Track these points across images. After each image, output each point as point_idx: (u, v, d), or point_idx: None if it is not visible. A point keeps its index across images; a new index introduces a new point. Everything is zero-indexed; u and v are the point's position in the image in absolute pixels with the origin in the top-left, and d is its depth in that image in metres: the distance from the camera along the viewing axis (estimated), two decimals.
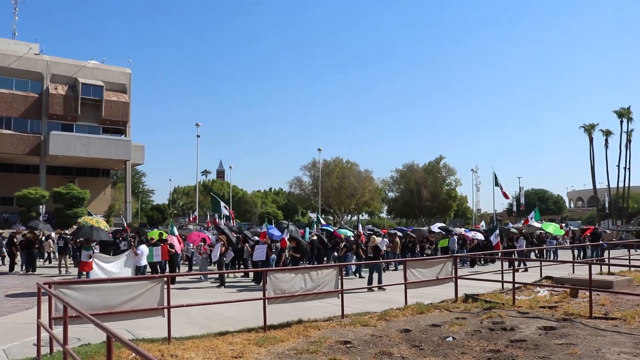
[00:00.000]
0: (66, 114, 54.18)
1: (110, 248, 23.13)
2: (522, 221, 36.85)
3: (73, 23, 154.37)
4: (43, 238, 28.05)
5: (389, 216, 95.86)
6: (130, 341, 4.19)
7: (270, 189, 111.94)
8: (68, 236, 24.47)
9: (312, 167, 74.71)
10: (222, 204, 29.45)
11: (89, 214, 30.28)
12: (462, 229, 34.18)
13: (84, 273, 17.39)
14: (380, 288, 16.19)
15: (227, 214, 29.74)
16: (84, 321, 6.08)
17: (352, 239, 23.64)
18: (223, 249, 19.71)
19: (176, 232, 22.57)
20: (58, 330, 7.40)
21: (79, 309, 5.70)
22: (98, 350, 7.93)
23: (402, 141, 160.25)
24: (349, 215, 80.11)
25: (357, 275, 20.84)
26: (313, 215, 42.22)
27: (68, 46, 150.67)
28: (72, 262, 23.30)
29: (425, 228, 34.44)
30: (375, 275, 16.81)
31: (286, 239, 19.44)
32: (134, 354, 6.65)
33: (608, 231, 44.44)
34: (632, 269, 18.37)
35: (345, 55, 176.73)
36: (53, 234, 28.24)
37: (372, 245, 18.17)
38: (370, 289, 16.19)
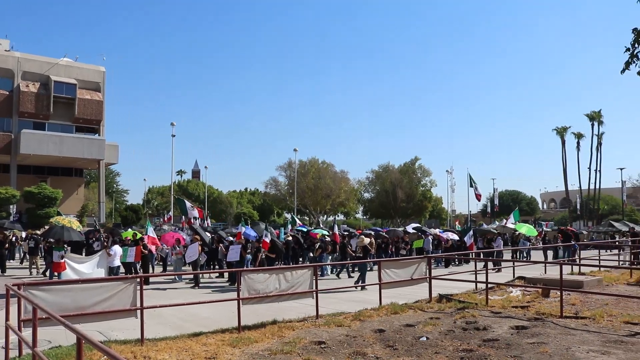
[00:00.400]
0: (38, 112, 53.31)
1: (82, 248, 22.78)
2: (504, 221, 37.30)
3: (45, 19, 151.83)
4: (13, 239, 27.57)
5: (364, 217, 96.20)
6: (101, 343, 4.14)
7: (246, 189, 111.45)
8: (39, 237, 24.05)
9: (287, 167, 74.63)
10: (188, 203, 28.28)
11: (59, 214, 29.72)
12: (438, 230, 34.43)
13: (56, 274, 17.12)
14: (362, 288, 16.38)
15: (196, 214, 28.13)
16: (55, 323, 5.99)
17: (327, 239, 23.70)
18: (200, 249, 19.57)
19: (151, 232, 22.32)
20: (27, 333, 7.27)
21: (49, 311, 5.61)
22: (69, 352, 7.82)
23: (377, 142, 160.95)
24: (325, 216, 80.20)
25: (337, 275, 20.91)
26: (289, 216, 42.06)
27: (40, 43, 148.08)
28: (44, 262, 22.87)
29: (400, 229, 34.63)
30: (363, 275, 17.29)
31: (267, 240, 19.40)
32: (105, 356, 6.57)
33: (585, 232, 45.10)
34: (602, 269, 18.79)
35: (322, 56, 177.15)
36: (23, 234, 27.75)
37: (361, 245, 18.49)
38: (357, 288, 16.55)
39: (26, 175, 54.21)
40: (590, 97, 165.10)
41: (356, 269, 21.51)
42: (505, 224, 33.27)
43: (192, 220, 29.31)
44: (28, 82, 53.16)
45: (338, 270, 21.26)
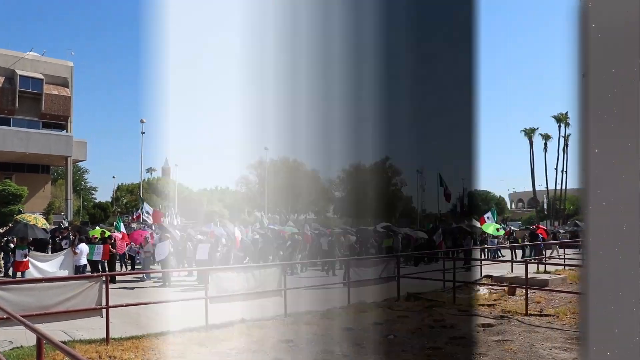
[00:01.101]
0: (3, 107, 51.97)
1: (46, 246, 22.27)
2: (473, 220, 37.67)
3: (11, 12, 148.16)
4: None
5: (335, 216, 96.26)
6: (63, 343, 4.06)
7: (217, 187, 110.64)
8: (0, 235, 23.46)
9: (258, 165, 74.31)
10: (146, 208, 27.15)
11: (20, 212, 29.00)
12: (407, 229, 34.61)
13: (19, 273, 16.72)
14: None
15: (150, 221, 26.63)
16: (16, 323, 5.86)
17: (297, 236, 23.72)
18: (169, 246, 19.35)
19: (123, 229, 21.97)
20: None
21: (9, 310, 5.50)
22: (31, 353, 7.65)
23: (349, 141, 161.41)
24: (295, 215, 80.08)
25: (332, 273, 20.84)
26: (259, 215, 42.00)
27: (5, 36, 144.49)
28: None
29: (370, 228, 34.72)
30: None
31: (239, 239, 19.34)
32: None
33: (562, 231, 45.59)
34: (567, 267, 19.17)
35: (295, 53, 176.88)
36: None
37: (347, 244, 18.69)
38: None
39: None
40: (557, 99, 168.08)
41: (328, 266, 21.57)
42: (482, 223, 33.55)
43: (161, 219, 28.90)
44: None
45: (327, 268, 21.21)
